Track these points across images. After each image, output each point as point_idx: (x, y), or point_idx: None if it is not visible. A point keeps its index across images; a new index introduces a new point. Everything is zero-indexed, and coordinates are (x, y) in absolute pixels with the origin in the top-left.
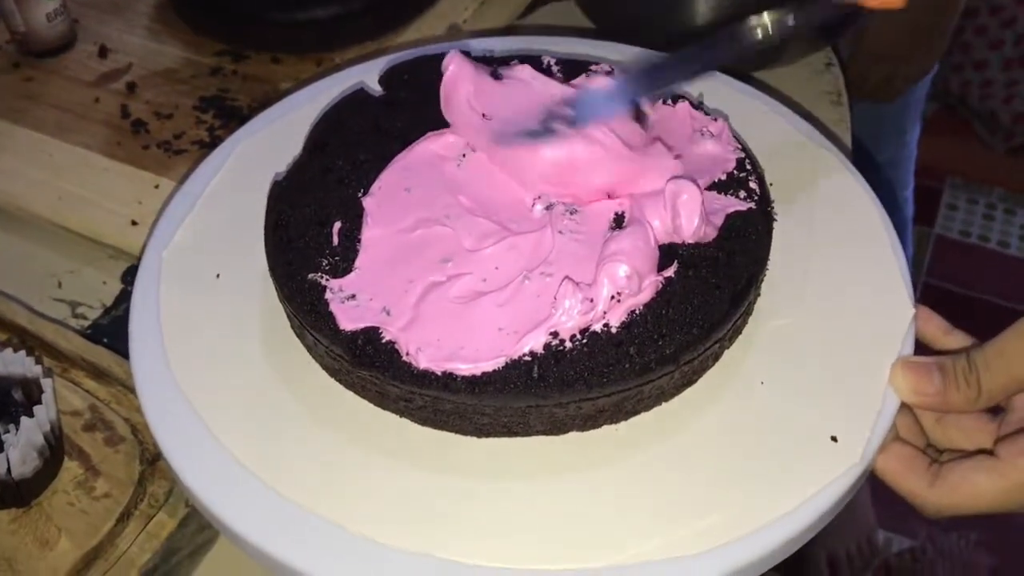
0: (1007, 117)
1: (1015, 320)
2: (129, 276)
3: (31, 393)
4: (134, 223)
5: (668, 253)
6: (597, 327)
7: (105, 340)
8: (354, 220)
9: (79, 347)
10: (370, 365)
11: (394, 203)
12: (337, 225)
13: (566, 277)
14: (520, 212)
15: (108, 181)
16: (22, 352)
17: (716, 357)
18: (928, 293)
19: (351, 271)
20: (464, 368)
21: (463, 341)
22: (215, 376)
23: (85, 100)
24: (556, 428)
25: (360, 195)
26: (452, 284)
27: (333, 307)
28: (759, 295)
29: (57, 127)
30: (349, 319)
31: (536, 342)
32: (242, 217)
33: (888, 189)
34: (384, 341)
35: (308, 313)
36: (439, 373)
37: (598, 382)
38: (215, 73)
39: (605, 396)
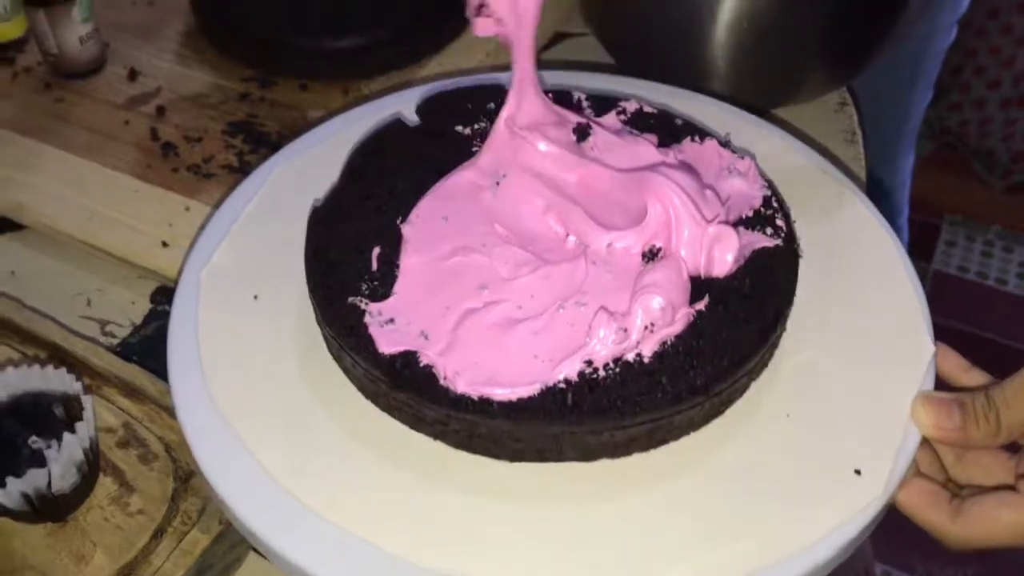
0: (1005, 155)
1: (1013, 357)
2: (159, 296)
3: (71, 409)
4: (164, 244)
5: (698, 287)
6: (630, 357)
7: (134, 358)
8: (393, 246)
9: (112, 364)
10: (408, 388)
11: (432, 231)
12: (376, 251)
13: (601, 307)
14: (554, 242)
15: (138, 202)
16: (63, 369)
17: (743, 389)
18: None
19: (390, 296)
20: (500, 393)
21: (499, 367)
22: (252, 395)
23: (115, 122)
24: (588, 455)
25: (399, 222)
26: (489, 311)
27: (372, 330)
28: (784, 330)
29: (88, 148)
30: (388, 342)
31: (571, 370)
32: (279, 241)
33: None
34: (422, 365)
35: (348, 336)
36: (475, 398)
37: (631, 411)
38: (243, 99)
39: (637, 425)
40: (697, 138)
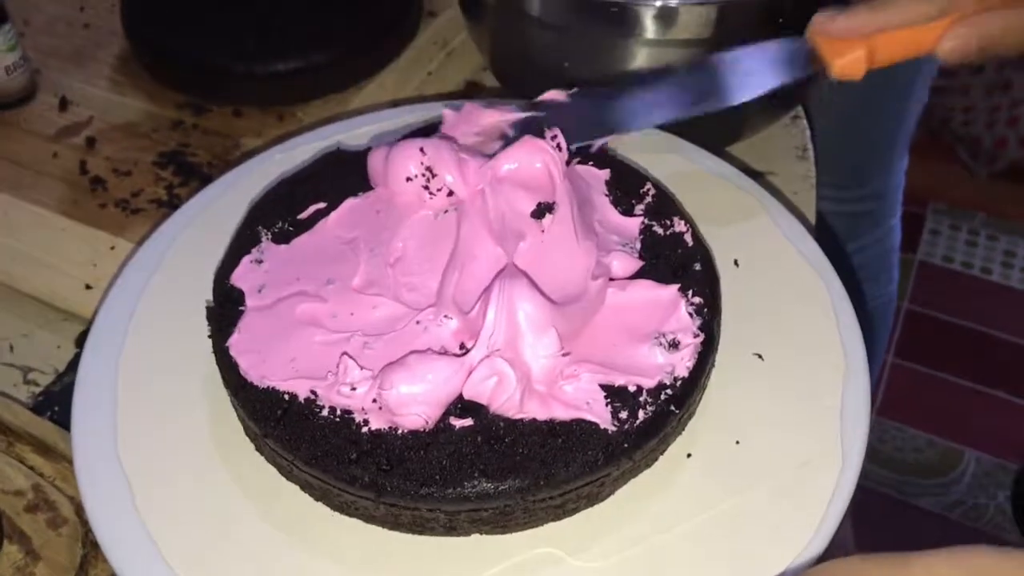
0: (989, 142)
1: (997, 347)
2: (83, 340)
3: None
4: (88, 287)
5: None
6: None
7: (56, 408)
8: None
9: (25, 421)
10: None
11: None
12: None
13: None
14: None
15: (64, 241)
16: None
17: None
18: (911, 319)
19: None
20: None
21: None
22: (162, 464)
23: (43, 155)
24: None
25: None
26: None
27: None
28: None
29: (14, 184)
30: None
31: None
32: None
33: (873, 219)
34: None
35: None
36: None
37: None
38: (176, 127)
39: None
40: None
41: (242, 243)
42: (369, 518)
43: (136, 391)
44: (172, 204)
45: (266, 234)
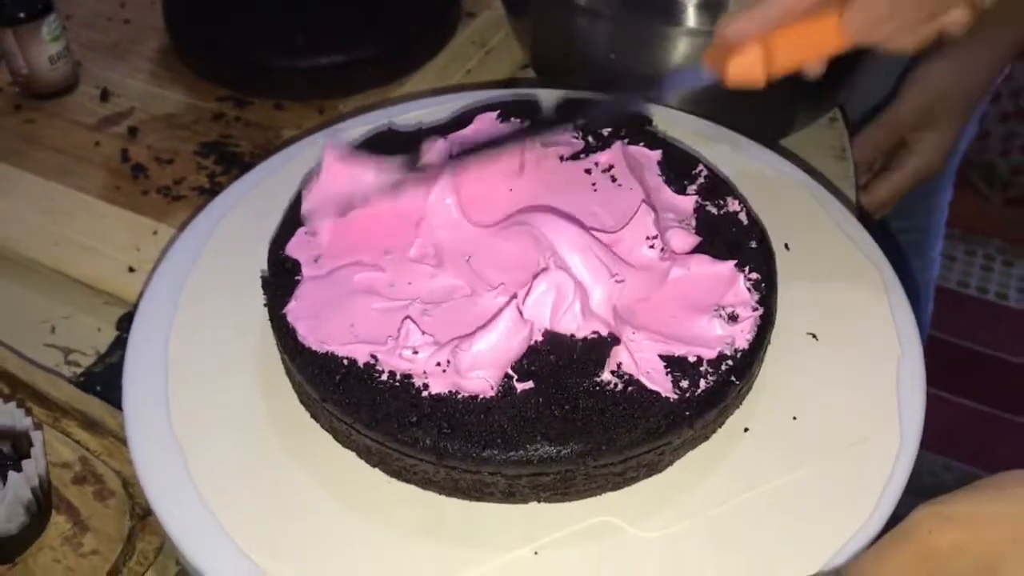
0: (1004, 169)
1: (1015, 372)
2: (125, 323)
3: (20, 446)
4: (131, 270)
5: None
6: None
7: (98, 388)
8: None
9: (71, 396)
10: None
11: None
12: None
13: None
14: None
15: (106, 227)
16: (12, 404)
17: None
18: (927, 343)
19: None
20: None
21: None
22: (215, 437)
23: (86, 143)
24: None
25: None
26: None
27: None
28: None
29: (57, 171)
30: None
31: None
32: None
33: (915, 251)
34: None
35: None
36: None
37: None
38: (217, 119)
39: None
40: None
41: (296, 216)
42: (427, 483)
43: (187, 362)
44: (214, 192)
45: None
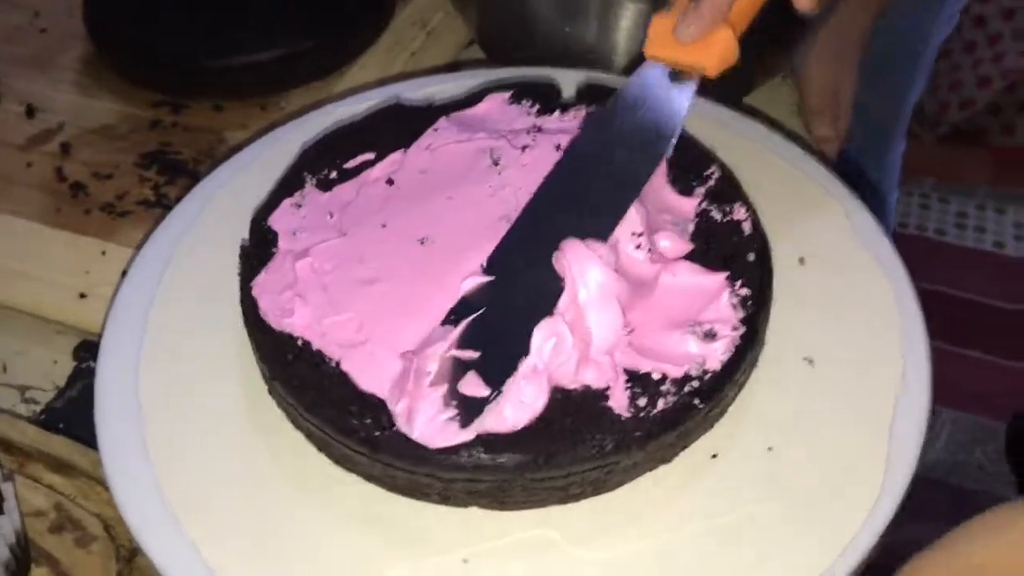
0: (933, 107)
1: (960, 306)
2: (83, 352)
3: None
4: (83, 295)
5: None
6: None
7: (61, 425)
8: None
9: (34, 438)
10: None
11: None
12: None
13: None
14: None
15: (50, 252)
16: None
17: None
18: None
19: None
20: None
21: None
22: (197, 470)
23: (16, 165)
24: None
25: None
26: None
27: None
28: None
29: None
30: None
31: None
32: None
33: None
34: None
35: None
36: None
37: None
38: (154, 126)
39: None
40: None
41: (285, 186)
42: (368, 476)
43: (161, 388)
44: (161, 204)
45: (311, 180)
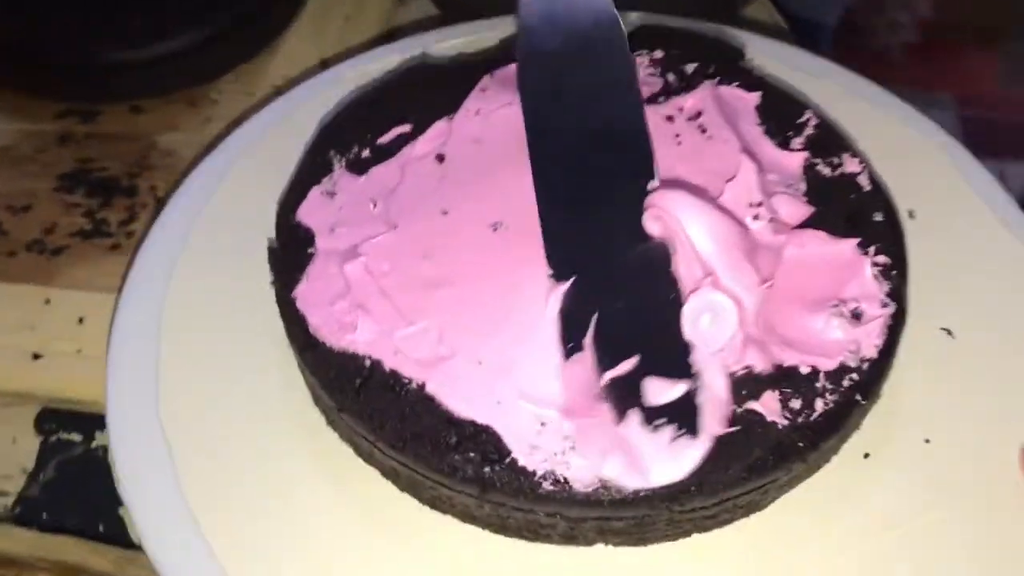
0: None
1: None
2: (46, 423)
3: None
4: (36, 356)
5: None
6: None
7: (44, 516)
8: None
9: (29, 543)
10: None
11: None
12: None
13: None
14: None
15: None
16: None
17: None
18: None
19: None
20: None
21: None
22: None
23: None
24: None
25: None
26: None
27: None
28: None
29: None
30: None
31: None
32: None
33: None
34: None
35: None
36: None
37: None
38: (64, 141)
39: None
40: None
41: (309, 171)
42: (468, 518)
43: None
44: (102, 232)
45: (339, 161)
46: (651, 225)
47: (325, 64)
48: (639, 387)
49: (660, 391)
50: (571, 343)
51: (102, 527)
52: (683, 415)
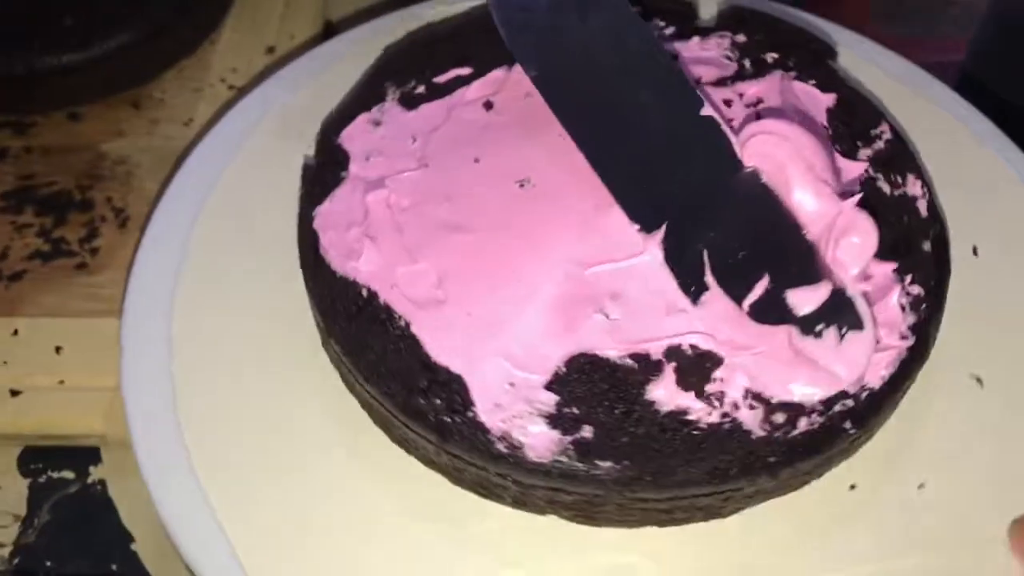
0: None
1: None
2: (31, 463)
3: None
4: (14, 393)
5: None
6: None
7: (48, 564)
8: None
9: None
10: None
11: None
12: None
13: None
14: None
15: None
16: None
17: None
18: None
19: None
20: None
21: None
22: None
23: None
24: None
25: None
26: None
27: None
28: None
29: None
30: None
31: None
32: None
33: None
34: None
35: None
36: None
37: None
38: (1, 157)
39: None
40: None
41: (363, 98)
42: (429, 462)
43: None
44: (62, 252)
45: (394, 92)
46: (758, 151)
47: (272, 51)
48: (783, 303)
49: (806, 299)
50: (693, 286)
51: (115, 566)
52: (839, 314)
